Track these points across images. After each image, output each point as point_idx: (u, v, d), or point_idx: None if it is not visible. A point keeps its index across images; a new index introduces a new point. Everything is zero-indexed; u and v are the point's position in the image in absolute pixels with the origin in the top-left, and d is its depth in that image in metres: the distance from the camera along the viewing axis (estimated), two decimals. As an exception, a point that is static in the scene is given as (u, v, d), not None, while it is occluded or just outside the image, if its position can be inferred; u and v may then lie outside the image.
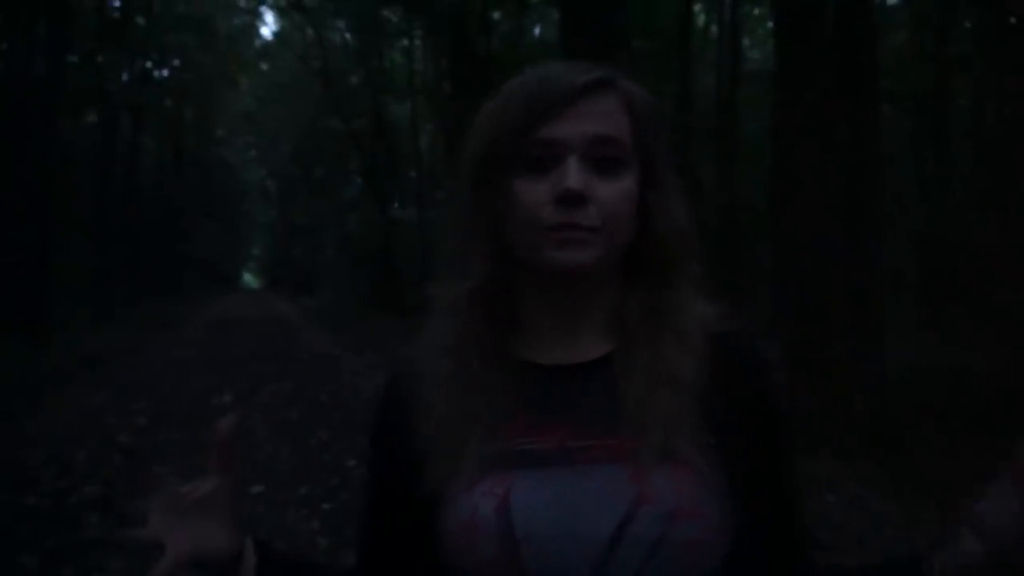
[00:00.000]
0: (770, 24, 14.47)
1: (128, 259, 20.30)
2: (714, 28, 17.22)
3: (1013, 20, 11.29)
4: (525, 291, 0.75)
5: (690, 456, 0.67)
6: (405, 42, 20.42)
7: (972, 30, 13.39)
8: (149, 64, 22.99)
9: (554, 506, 0.66)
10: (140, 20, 20.87)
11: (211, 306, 25.01)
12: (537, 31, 18.02)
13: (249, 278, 65.87)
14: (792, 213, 5.21)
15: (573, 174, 0.67)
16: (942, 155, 12.49)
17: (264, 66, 30.01)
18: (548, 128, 0.68)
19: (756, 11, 17.66)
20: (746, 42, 17.88)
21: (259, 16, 29.18)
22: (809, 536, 0.78)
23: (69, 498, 4.20)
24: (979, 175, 10.98)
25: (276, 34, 27.85)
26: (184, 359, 10.62)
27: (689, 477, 0.66)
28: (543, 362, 0.74)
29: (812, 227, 5.01)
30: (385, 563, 0.78)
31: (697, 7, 16.57)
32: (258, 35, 34.57)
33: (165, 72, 25.06)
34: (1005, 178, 9.54)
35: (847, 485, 4.08)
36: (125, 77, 19.80)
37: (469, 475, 0.69)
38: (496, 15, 15.78)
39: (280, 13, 23.74)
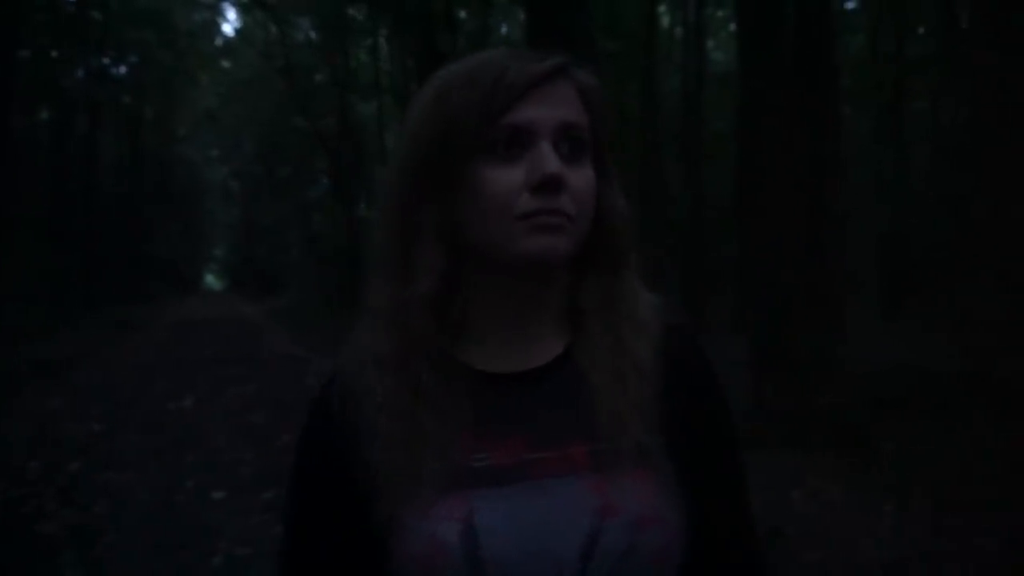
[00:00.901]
0: (733, 26, 14.68)
1: (85, 261, 19.77)
2: (679, 30, 17.40)
3: (964, 26, 11.66)
4: (474, 293, 0.69)
5: (652, 456, 0.65)
6: (370, 41, 20.24)
7: (928, 33, 13.76)
8: (106, 60, 22.42)
9: (519, 526, 0.63)
10: (96, 14, 20.33)
11: (172, 308, 24.51)
12: (504, 30, 18.02)
13: (211, 279, 64.72)
14: (756, 212, 5.28)
15: (552, 159, 0.63)
16: (900, 155, 12.80)
17: (226, 63, 29.48)
18: (516, 113, 0.65)
19: (720, 13, 17.91)
20: (710, 44, 18.12)
21: (220, 12, 28.75)
22: (757, 533, 0.76)
23: (22, 507, 4.06)
24: (936, 175, 11.28)
25: (238, 31, 27.43)
26: (143, 362, 10.37)
27: (649, 481, 0.65)
28: (490, 370, 0.69)
29: (776, 226, 5.08)
30: None
31: (661, 8, 16.73)
32: (219, 32, 33.99)
33: (123, 69, 24.47)
34: (962, 177, 9.80)
35: (811, 480, 4.14)
36: (80, 73, 19.29)
37: (423, 499, 0.64)
38: (462, 14, 15.74)
39: (242, 9, 23.38)
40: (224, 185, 41.13)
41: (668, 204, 13.76)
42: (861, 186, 12.74)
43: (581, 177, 0.66)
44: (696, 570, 0.67)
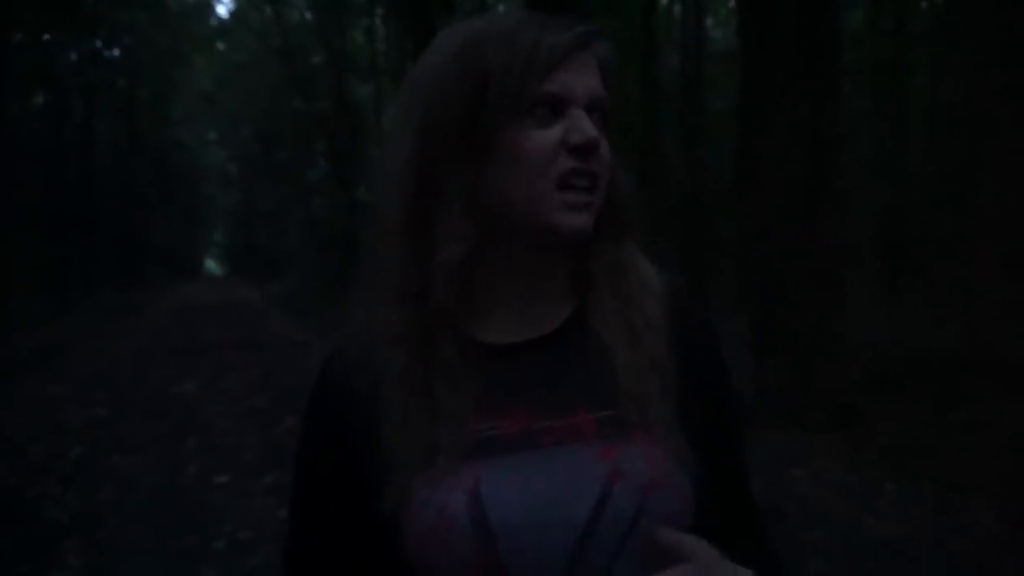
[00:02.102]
0: (732, 3, 14.52)
1: (84, 247, 19.72)
2: (677, 8, 17.22)
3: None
4: (489, 263, 0.68)
5: (663, 418, 0.66)
6: (367, 21, 20.04)
7: (928, 8, 13.62)
8: (99, 43, 22.20)
9: (527, 495, 0.63)
10: (88, -5, 20.12)
11: (172, 293, 24.49)
12: (501, 9, 17.84)
13: (211, 264, 64.67)
14: (756, 191, 5.25)
15: (587, 123, 0.64)
16: (899, 132, 12.71)
17: (221, 45, 29.21)
18: (554, 79, 0.64)
19: (719, -10, 17.71)
20: (709, 22, 17.93)
21: (214, -7, 28.37)
22: (755, 501, 0.77)
23: (26, 492, 4.08)
24: (936, 152, 11.21)
25: (232, 12, 27.16)
26: (145, 348, 10.38)
27: (658, 445, 0.65)
28: (497, 341, 0.69)
29: (776, 204, 5.05)
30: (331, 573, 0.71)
31: (660, -15, 16.53)
32: (213, 13, 33.66)
33: (116, 51, 24.24)
34: (961, 154, 9.73)
35: (812, 459, 4.15)
36: (73, 57, 19.11)
37: (434, 470, 0.64)
38: (459, -7, 15.56)
39: (236, -9, 23.12)
40: (222, 169, 40.94)
41: (668, 184, 13.71)
42: (860, 163, 12.68)
43: (606, 147, 0.67)
44: (699, 532, 0.66)
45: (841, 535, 3.15)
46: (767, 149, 5.13)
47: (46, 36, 16.66)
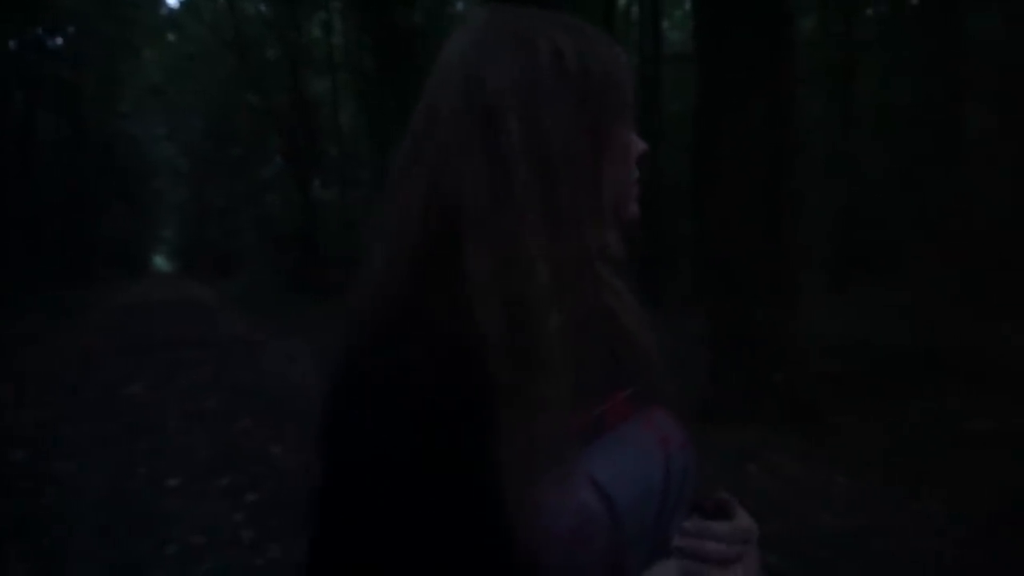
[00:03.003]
0: (688, 6, 14.72)
1: (27, 243, 18.98)
2: (635, 10, 17.38)
3: (914, 1, 11.93)
4: None
5: (665, 392, 0.73)
6: (324, 15, 19.72)
7: (876, 15, 14.04)
8: (41, 31, 21.36)
9: (628, 474, 0.65)
10: (30, -18, 19.32)
11: (119, 291, 23.76)
12: (459, 6, 17.75)
13: (161, 261, 63.06)
14: (713, 190, 5.32)
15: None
16: (850, 133, 13.08)
17: (171, 36, 28.40)
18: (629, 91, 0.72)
19: (675, -8, 17.94)
20: (666, 24, 18.15)
21: (164, -17, 27.58)
22: None
23: (-37, 500, 3.90)
24: (885, 154, 11.56)
25: (183, 2, 26.42)
26: (91, 347, 10.04)
27: (670, 414, 0.73)
28: None
29: (732, 204, 5.13)
30: None
31: (619, -13, 16.66)
32: (163, 3, 32.71)
33: (59, 40, 23.37)
34: (909, 156, 10.08)
35: (767, 454, 4.23)
36: (13, 45, 18.35)
37: (558, 470, 0.60)
38: (418, -11, 15.45)
39: (187, -20, 22.51)
40: (173, 164, 39.85)
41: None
42: (814, 163, 13.00)
43: None
44: None
45: (796, 528, 3.21)
46: (725, 151, 5.21)
47: (-16, 23, 15.96)
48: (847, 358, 5.80)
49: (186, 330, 11.98)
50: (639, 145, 0.72)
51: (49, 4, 20.32)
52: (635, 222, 0.72)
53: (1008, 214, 8.94)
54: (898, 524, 3.26)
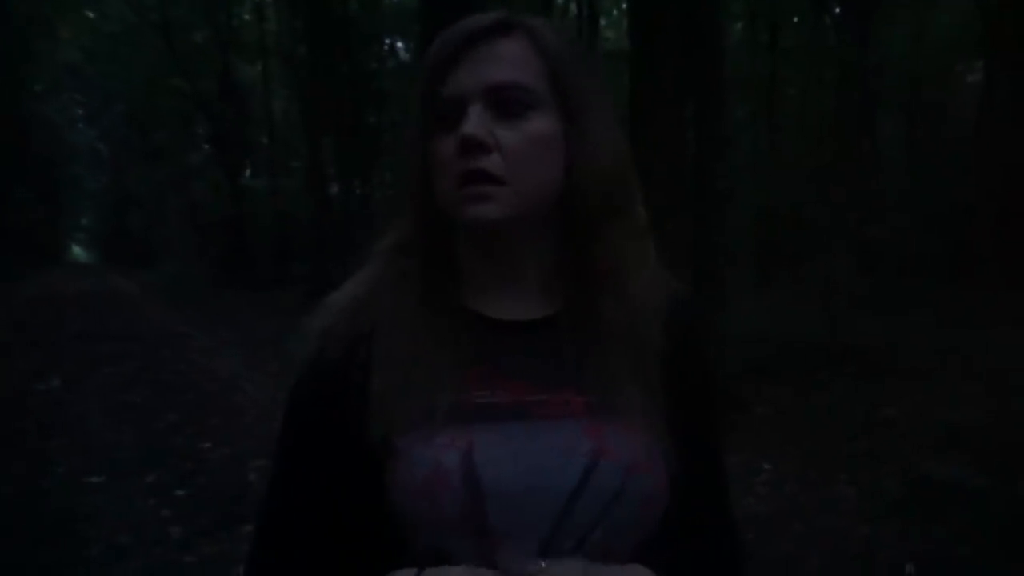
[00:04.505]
0: (624, 5, 14.97)
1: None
2: (572, 7, 17.54)
3: (837, 10, 12.50)
4: (462, 246, 0.73)
5: (636, 414, 0.68)
6: (254, -1, 19.12)
7: (800, 24, 14.66)
8: (-55, 4, 19.97)
9: (518, 461, 0.65)
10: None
11: (30, 283, 22.45)
12: (395, -4, 17.51)
13: (78, 251, 59.96)
14: (644, 188, 5.47)
15: (470, 121, 0.65)
16: (774, 137, 13.61)
17: (90, 13, 26.94)
18: (450, 81, 0.68)
19: (612, -9, 18.18)
20: (603, 22, 18.39)
21: (82, -44, 26.12)
22: (730, 508, 0.81)
23: None
24: (807, 154, 12.09)
25: (103, -22, 25.07)
26: None
27: (640, 433, 0.68)
28: (493, 316, 0.72)
29: (662, 200, 5.29)
30: (312, 531, 0.70)
31: (556, -16, 16.77)
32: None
33: (-34, 15, 21.87)
34: (829, 156, 10.57)
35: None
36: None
37: (428, 428, 0.65)
38: (354, -25, 15.16)
39: (108, -44, 21.42)
40: (91, 149, 37.89)
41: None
42: (740, 166, 13.46)
43: (517, 134, 0.67)
44: (672, 524, 0.70)
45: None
46: (654, 148, 5.35)
47: None
48: (769, 351, 6.07)
49: (106, 323, 11.47)
50: (445, 148, 0.68)
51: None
52: (482, 223, 0.68)
53: (917, 217, 9.50)
54: (813, 506, 3.46)
